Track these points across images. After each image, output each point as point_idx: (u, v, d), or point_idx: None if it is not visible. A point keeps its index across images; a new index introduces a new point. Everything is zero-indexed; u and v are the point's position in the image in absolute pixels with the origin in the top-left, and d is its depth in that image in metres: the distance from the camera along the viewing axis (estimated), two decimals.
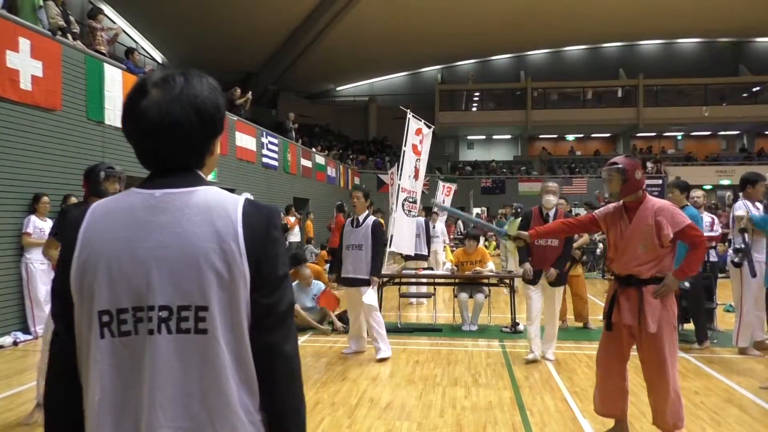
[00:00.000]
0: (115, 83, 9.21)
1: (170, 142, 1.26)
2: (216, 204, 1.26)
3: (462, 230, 17.63)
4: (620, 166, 3.77)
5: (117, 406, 1.20)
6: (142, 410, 1.19)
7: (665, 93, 30.95)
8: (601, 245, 13.53)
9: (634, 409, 4.67)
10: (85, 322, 1.22)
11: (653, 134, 33.34)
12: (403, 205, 8.90)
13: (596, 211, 4.08)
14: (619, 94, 31.78)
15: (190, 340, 1.20)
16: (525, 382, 5.45)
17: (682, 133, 33.68)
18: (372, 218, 6.54)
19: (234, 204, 1.27)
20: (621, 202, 3.88)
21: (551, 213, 6.30)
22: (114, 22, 20.23)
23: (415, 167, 9.36)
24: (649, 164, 29.69)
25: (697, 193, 8.15)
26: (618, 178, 3.78)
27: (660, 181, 27.42)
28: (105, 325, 1.20)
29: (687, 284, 6.45)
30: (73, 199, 7.86)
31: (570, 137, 35.10)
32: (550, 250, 6.21)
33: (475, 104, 33.19)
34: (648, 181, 25.90)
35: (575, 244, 7.66)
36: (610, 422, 4.22)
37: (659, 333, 3.72)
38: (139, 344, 1.19)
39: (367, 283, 6.31)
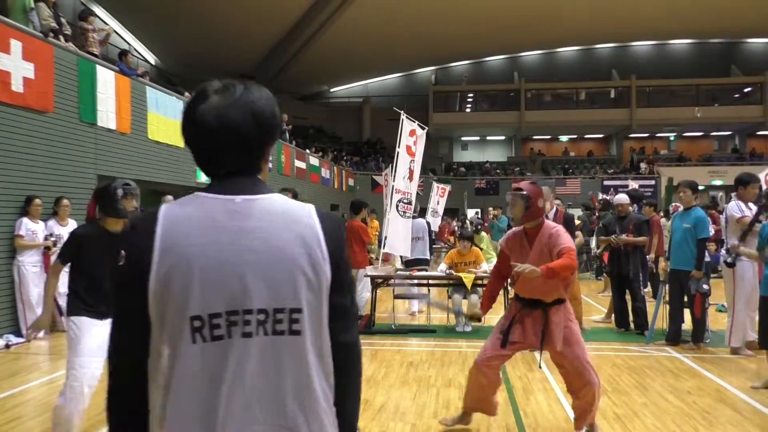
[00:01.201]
0: (108, 85, 9.18)
1: (229, 146, 1.30)
2: (293, 210, 1.33)
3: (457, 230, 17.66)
4: (524, 192, 3.86)
5: (206, 409, 1.20)
6: (235, 411, 1.21)
7: (658, 94, 31.10)
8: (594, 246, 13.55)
9: (626, 408, 4.69)
10: (170, 330, 1.22)
11: (646, 135, 33.49)
12: (397, 206, 8.91)
13: (502, 241, 4.22)
14: (612, 95, 31.89)
15: (284, 341, 1.26)
16: (518, 383, 5.46)
17: (674, 134, 33.85)
18: None
19: (308, 211, 1.35)
20: (522, 227, 3.99)
21: (551, 215, 6.41)
22: (106, 24, 20.16)
23: (410, 168, 9.36)
24: (642, 165, 29.84)
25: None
26: (521, 204, 3.87)
27: (653, 182, 27.55)
28: (196, 330, 1.21)
29: (706, 286, 6.49)
30: (65, 201, 7.83)
31: (564, 138, 35.21)
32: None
33: (468, 105, 33.24)
34: (641, 182, 26.01)
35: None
36: (604, 423, 4.23)
37: (569, 346, 3.86)
38: (231, 347, 1.22)
39: None
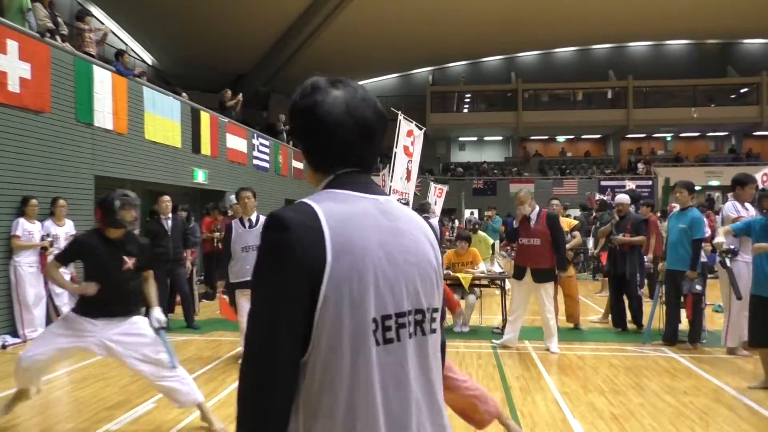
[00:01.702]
0: (105, 85, 9.17)
1: (361, 140, 1.30)
2: (413, 214, 1.36)
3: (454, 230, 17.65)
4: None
5: (383, 415, 1.17)
6: (407, 415, 1.20)
7: (654, 94, 31.15)
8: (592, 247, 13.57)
9: (623, 408, 4.70)
10: (348, 334, 1.16)
11: (643, 135, 33.54)
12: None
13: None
14: (609, 95, 31.94)
15: (429, 339, 1.29)
16: (515, 383, 5.46)
17: (671, 135, 33.91)
18: (263, 218, 6.37)
19: (417, 215, 1.38)
20: None
21: (533, 216, 6.65)
22: (102, 23, 20.12)
23: (407, 169, 9.37)
24: (639, 165, 29.90)
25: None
26: None
27: (650, 182, 27.59)
28: (372, 333, 1.18)
29: (699, 287, 6.54)
30: (62, 202, 7.82)
31: (561, 138, 35.25)
32: (533, 249, 6.70)
33: (466, 106, 33.27)
34: (638, 182, 26.07)
35: (568, 246, 7.72)
36: (601, 423, 4.24)
37: None
38: (400, 350, 1.22)
39: None
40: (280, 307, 1.16)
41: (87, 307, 4.07)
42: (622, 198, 8.36)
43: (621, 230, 7.85)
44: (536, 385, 5.39)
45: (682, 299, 6.79)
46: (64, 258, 4.31)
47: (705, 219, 7.95)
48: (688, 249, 6.60)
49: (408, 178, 9.38)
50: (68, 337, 4.05)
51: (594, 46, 34.10)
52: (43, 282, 7.55)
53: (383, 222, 1.25)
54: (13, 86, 7.27)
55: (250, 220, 6.35)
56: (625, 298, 7.88)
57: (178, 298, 8.62)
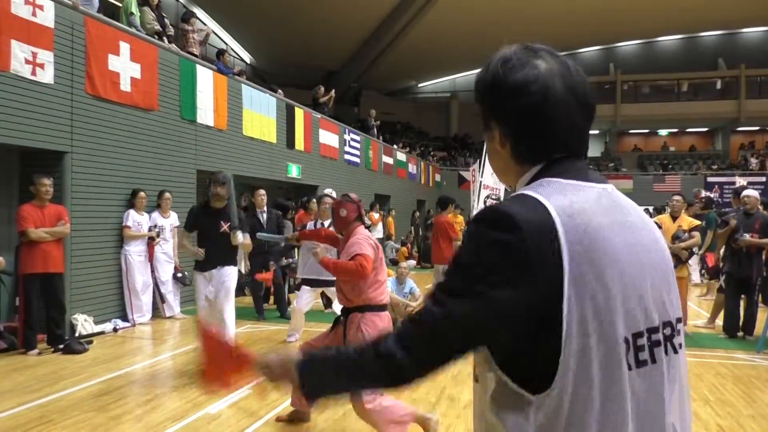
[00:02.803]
0: (207, 84, 9.62)
1: (582, 119, 1.10)
2: (634, 204, 1.13)
3: None
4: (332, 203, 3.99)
5: None
6: None
7: None
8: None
9: (731, 420, 4.38)
10: (597, 359, 0.95)
11: (756, 128, 31.12)
12: (485, 202, 8.78)
13: None
14: (718, 85, 29.87)
15: (681, 358, 1.08)
16: None
17: None
18: None
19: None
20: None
21: None
22: (205, 24, 21.12)
23: None
24: (752, 160, 27.77)
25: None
26: (330, 213, 4.67)
27: (764, 179, 25.59)
28: (624, 355, 0.97)
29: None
30: (167, 194, 8.28)
31: (663, 132, 33.42)
32: None
33: None
34: (750, 179, 24.24)
35: (683, 245, 7.25)
36: None
37: None
38: (654, 373, 1.01)
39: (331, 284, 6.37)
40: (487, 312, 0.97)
41: (200, 264, 5.59)
42: (752, 193, 7.49)
43: (748, 230, 7.15)
44: None
45: None
46: (187, 226, 5.74)
47: None
48: None
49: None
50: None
51: (702, 34, 31.98)
52: (150, 270, 8.04)
53: (618, 216, 1.03)
54: (125, 86, 7.77)
55: (323, 224, 6.78)
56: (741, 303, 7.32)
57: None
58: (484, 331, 0.98)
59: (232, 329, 5.75)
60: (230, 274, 5.65)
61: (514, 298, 0.94)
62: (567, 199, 0.99)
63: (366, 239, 3.95)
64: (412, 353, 1.01)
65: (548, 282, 0.94)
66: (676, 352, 1.05)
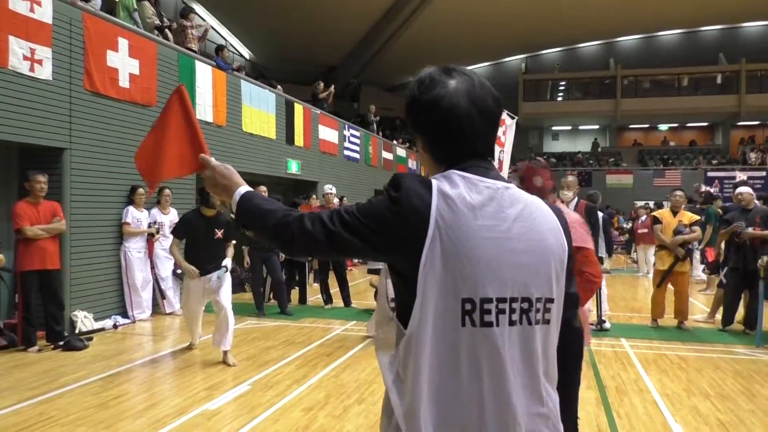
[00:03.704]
0: (206, 79, 9.59)
1: (483, 127, 1.32)
2: (538, 202, 1.34)
3: None
4: (518, 173, 3.10)
5: (470, 396, 1.21)
6: (500, 400, 1.22)
7: None
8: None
9: (731, 415, 4.38)
10: (443, 309, 1.21)
11: (757, 123, 31.08)
12: None
13: None
14: (719, 80, 29.79)
15: (539, 330, 1.28)
16: (611, 382, 5.23)
17: None
18: None
19: (543, 202, 1.36)
20: None
21: (571, 206, 6.23)
22: (204, 20, 21.07)
23: (499, 159, 9.19)
24: (752, 155, 27.74)
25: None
26: (518, 186, 3.17)
27: (764, 173, 25.57)
28: (467, 313, 1.21)
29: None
30: (167, 191, 8.27)
31: (663, 127, 33.36)
32: None
33: (560, 94, 32.14)
34: (750, 174, 24.23)
35: (685, 238, 7.29)
36: (706, 429, 3.97)
37: None
38: (498, 335, 1.22)
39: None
40: (366, 234, 1.26)
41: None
42: (744, 190, 7.59)
43: (750, 224, 7.20)
44: (634, 386, 5.13)
45: None
46: (177, 233, 5.92)
47: None
48: None
49: (500, 169, 9.18)
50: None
51: (702, 28, 31.89)
52: (150, 267, 8.04)
53: (497, 208, 1.25)
54: (123, 82, 7.75)
55: None
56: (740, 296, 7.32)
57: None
58: (365, 252, 1.30)
59: (232, 330, 5.74)
60: (227, 277, 5.90)
61: (384, 241, 1.25)
62: (451, 187, 1.24)
63: (581, 224, 3.19)
64: (299, 237, 1.32)
65: (413, 239, 1.20)
66: (530, 324, 1.25)
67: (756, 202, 7.55)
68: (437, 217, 1.20)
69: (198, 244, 5.79)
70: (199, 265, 5.71)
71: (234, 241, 6.16)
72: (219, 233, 5.85)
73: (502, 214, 1.25)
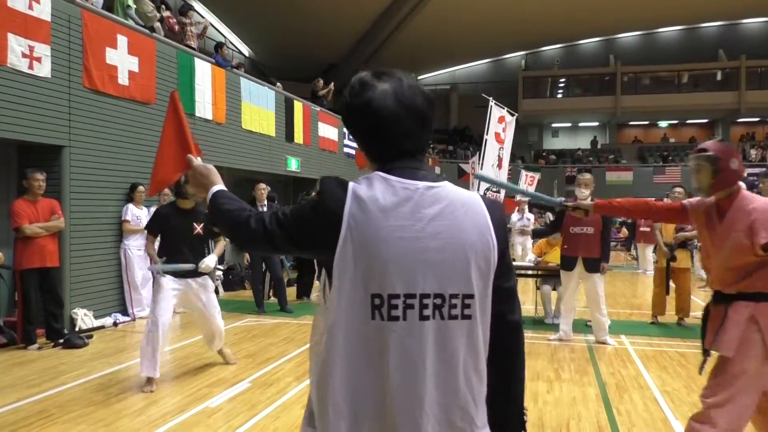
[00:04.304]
0: (205, 77, 9.57)
1: (413, 127, 1.37)
2: (467, 199, 1.38)
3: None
4: (710, 153, 2.88)
5: (376, 385, 1.29)
6: (408, 390, 1.28)
7: None
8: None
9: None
10: (355, 302, 1.28)
11: (756, 119, 31.06)
12: (484, 194, 8.75)
13: (688, 200, 3.19)
14: (719, 77, 29.75)
15: (458, 325, 1.33)
16: (611, 379, 5.23)
17: None
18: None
19: (477, 198, 1.40)
20: (713, 198, 2.97)
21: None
22: (203, 17, 21.03)
23: (499, 156, 9.17)
24: (752, 151, 27.73)
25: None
26: (708, 169, 2.87)
27: (765, 170, 25.53)
28: (376, 308, 1.28)
29: None
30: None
31: (663, 124, 33.33)
32: (584, 238, 6.44)
33: (560, 91, 32.09)
34: (750, 170, 24.23)
35: (688, 235, 7.27)
36: None
37: (735, 359, 2.94)
38: (406, 329, 1.28)
39: None
40: (299, 223, 1.37)
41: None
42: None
43: None
44: (634, 383, 5.13)
45: None
46: (150, 228, 5.25)
47: None
48: None
49: (499, 166, 9.18)
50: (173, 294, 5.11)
51: (702, 25, 31.85)
52: (150, 264, 8.03)
53: (411, 208, 1.30)
54: (123, 79, 7.73)
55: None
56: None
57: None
58: (293, 248, 1.43)
59: (222, 329, 5.44)
60: (209, 284, 5.36)
61: (306, 239, 1.36)
62: (368, 189, 1.31)
63: None
64: (247, 235, 1.44)
65: (329, 238, 1.29)
66: (443, 318, 1.30)
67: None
68: (349, 219, 1.28)
69: (175, 241, 5.08)
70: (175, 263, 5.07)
71: (213, 257, 5.31)
72: (198, 228, 5.18)
73: (418, 214, 1.30)
